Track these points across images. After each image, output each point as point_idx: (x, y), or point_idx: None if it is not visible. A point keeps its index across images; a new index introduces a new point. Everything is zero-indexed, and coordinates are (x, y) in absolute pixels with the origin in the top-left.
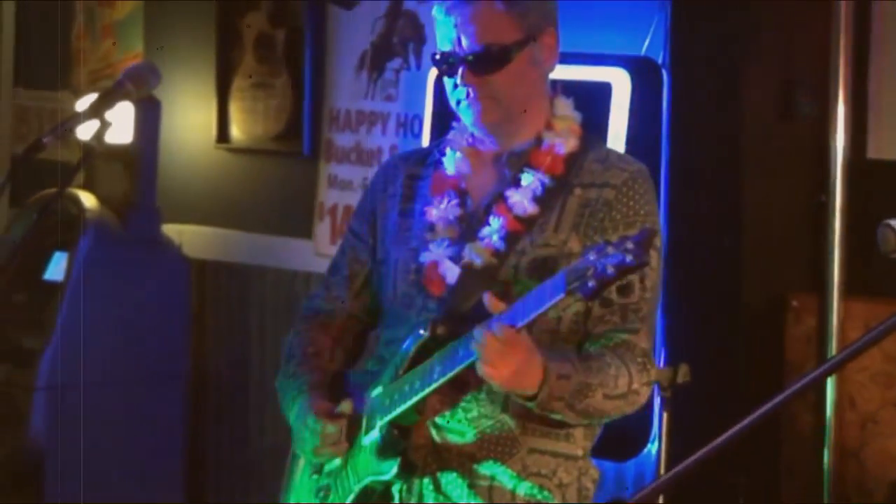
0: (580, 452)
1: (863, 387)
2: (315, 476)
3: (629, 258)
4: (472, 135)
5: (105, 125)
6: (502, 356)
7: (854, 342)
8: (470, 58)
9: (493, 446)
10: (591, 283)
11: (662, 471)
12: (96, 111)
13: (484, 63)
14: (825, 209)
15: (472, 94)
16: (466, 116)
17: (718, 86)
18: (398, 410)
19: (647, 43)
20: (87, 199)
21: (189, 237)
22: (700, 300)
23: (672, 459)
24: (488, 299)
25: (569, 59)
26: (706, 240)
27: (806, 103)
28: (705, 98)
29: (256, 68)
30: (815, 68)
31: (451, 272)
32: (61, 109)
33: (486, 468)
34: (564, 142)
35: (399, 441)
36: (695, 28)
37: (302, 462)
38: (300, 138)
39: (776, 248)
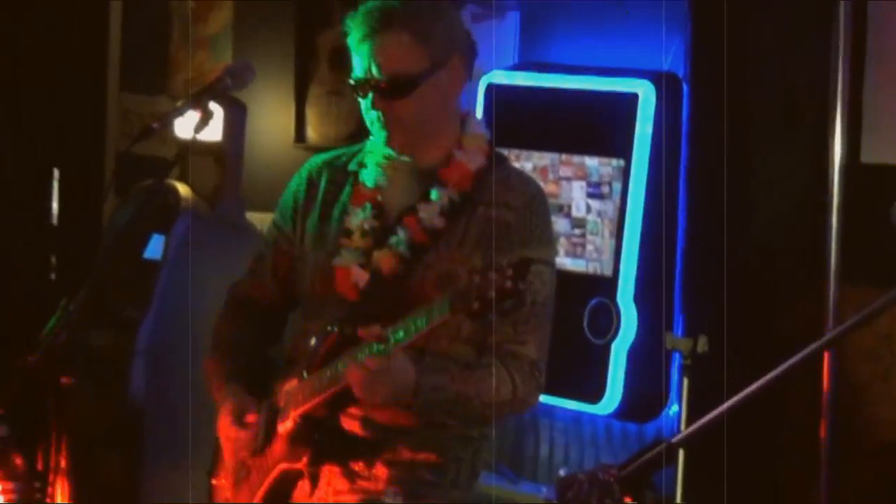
0: (475, 434)
1: (853, 363)
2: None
3: (508, 283)
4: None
5: (208, 115)
6: (371, 388)
7: (846, 322)
8: (379, 85)
9: (398, 435)
10: (475, 305)
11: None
12: (199, 102)
13: (391, 91)
14: (825, 207)
15: (381, 119)
16: (378, 138)
17: (731, 97)
18: (308, 405)
19: (669, 59)
20: (183, 189)
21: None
22: (716, 283)
23: (691, 421)
24: (362, 332)
25: (602, 72)
26: (721, 231)
27: (808, 114)
28: (719, 108)
29: (330, 77)
30: (816, 82)
31: (361, 278)
32: (160, 112)
33: (389, 451)
34: (472, 160)
35: (310, 433)
36: (711, 47)
37: None
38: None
39: (782, 238)
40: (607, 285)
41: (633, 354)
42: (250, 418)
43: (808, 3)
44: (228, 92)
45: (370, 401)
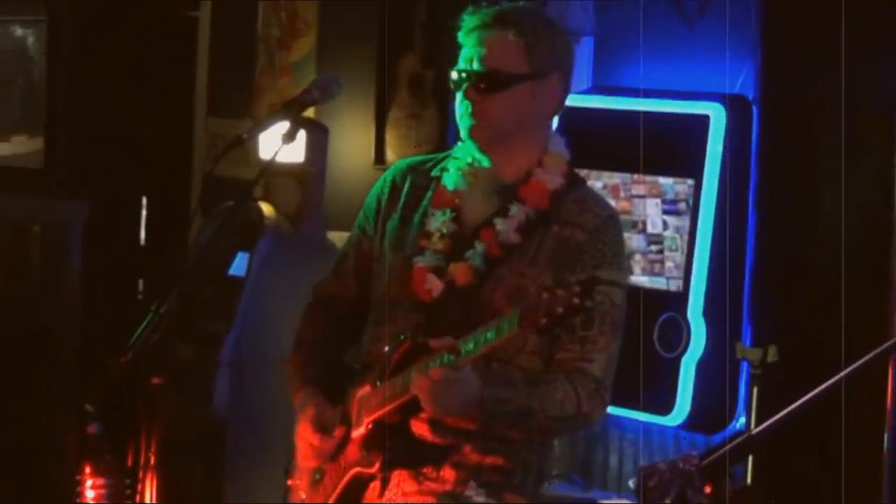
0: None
1: None
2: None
3: (576, 300)
4: (473, 155)
5: (295, 126)
6: (437, 399)
7: None
8: (474, 76)
9: (466, 439)
10: (543, 320)
11: None
12: (289, 112)
13: (484, 83)
14: (890, 224)
15: (470, 109)
16: (462, 128)
17: (800, 119)
18: (381, 412)
19: (740, 82)
20: (266, 208)
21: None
22: (785, 296)
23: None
24: (434, 343)
25: (674, 95)
26: (789, 247)
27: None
28: (789, 129)
29: (409, 102)
30: (883, 105)
31: (436, 287)
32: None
33: (457, 454)
34: (551, 179)
35: (382, 438)
36: (781, 71)
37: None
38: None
39: (848, 253)
40: (677, 300)
41: (702, 368)
42: (337, 432)
43: (876, 30)
44: (316, 104)
45: (437, 411)
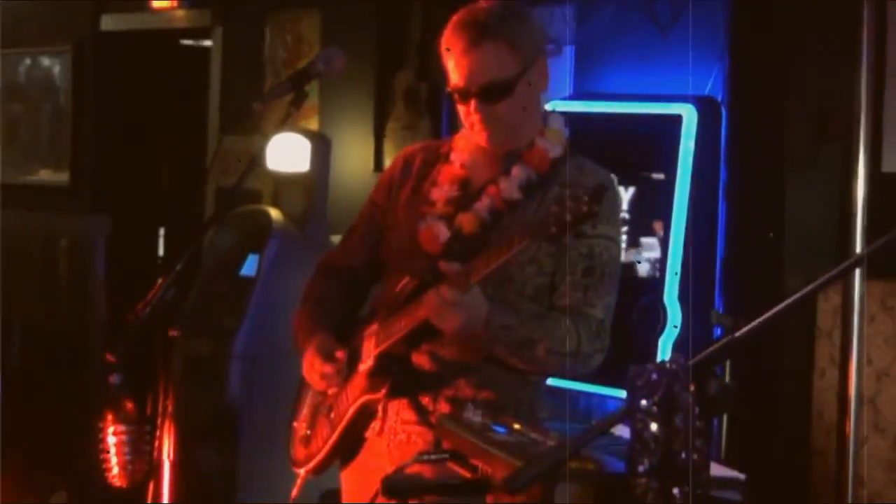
0: (534, 378)
1: (878, 347)
2: (320, 396)
3: (584, 207)
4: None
5: (302, 94)
6: (446, 315)
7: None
8: (480, 91)
9: (461, 372)
10: (553, 230)
11: None
12: (295, 83)
13: (492, 95)
14: (849, 214)
15: (482, 120)
16: (479, 138)
17: (766, 117)
18: (388, 343)
19: (710, 84)
20: (275, 214)
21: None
22: (751, 278)
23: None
24: (443, 265)
25: (650, 98)
26: (756, 235)
27: (835, 130)
28: (755, 127)
29: (405, 114)
30: (842, 101)
31: (443, 234)
32: (253, 149)
33: (452, 387)
34: (552, 148)
35: (388, 368)
36: (747, 74)
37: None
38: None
39: (812, 239)
40: (654, 286)
41: (677, 347)
42: (339, 354)
43: (835, 33)
44: (321, 76)
45: (444, 327)
